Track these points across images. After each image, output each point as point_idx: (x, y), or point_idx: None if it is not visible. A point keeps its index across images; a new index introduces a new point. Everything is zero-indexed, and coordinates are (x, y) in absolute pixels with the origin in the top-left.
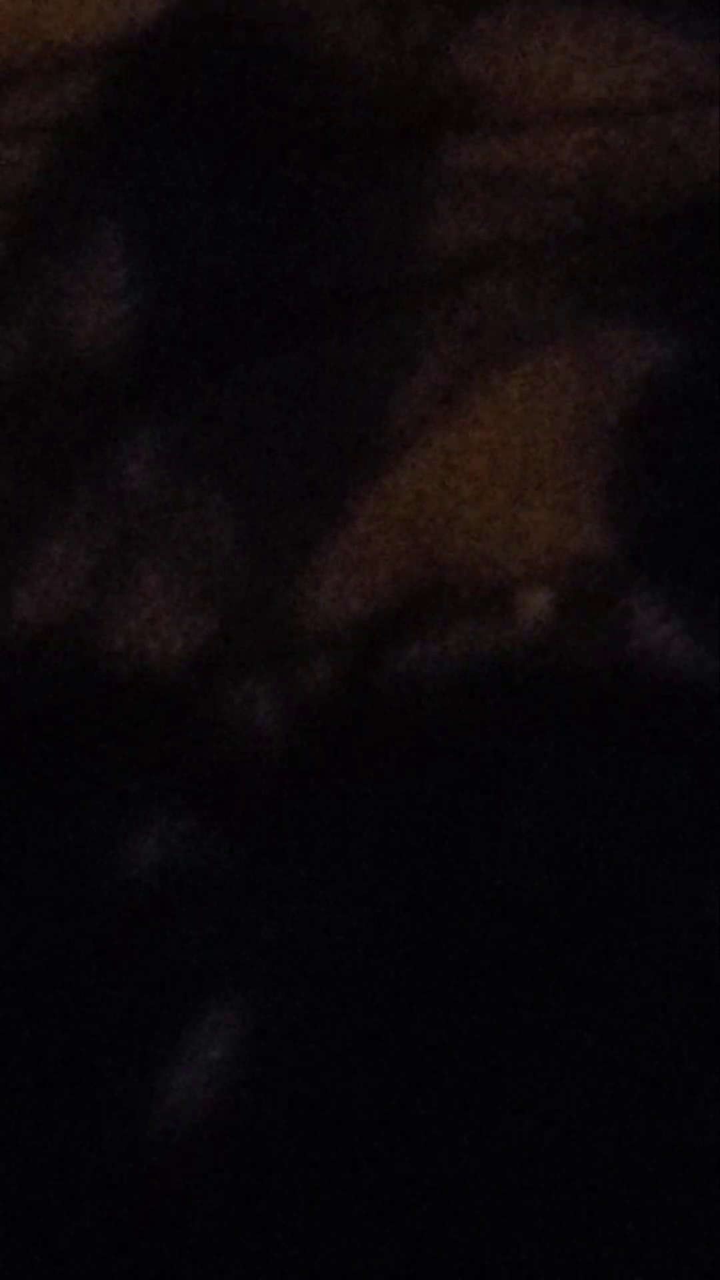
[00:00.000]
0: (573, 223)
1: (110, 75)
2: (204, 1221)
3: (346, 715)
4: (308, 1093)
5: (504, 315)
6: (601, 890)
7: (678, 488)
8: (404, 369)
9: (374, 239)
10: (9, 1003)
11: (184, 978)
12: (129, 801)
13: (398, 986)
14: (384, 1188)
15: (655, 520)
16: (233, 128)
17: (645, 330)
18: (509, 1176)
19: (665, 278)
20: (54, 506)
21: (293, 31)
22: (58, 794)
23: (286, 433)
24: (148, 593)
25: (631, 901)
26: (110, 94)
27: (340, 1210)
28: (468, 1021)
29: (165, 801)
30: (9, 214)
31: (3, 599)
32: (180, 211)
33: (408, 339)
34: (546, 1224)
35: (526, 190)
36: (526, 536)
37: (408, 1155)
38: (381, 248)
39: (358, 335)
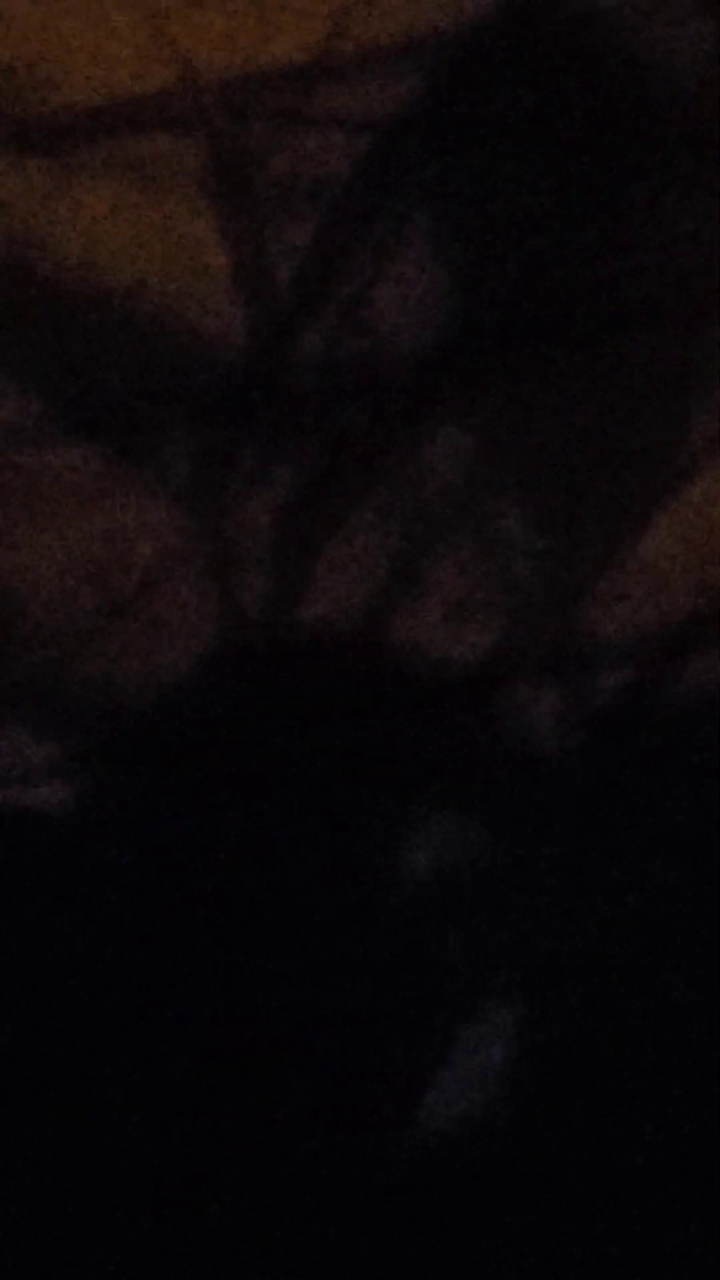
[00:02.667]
0: None
1: (427, 71)
2: (472, 1218)
3: (632, 727)
4: (581, 1092)
5: None
6: None
7: None
8: (713, 380)
9: (691, 246)
10: (291, 1001)
11: (461, 977)
12: (411, 798)
13: (672, 988)
14: (664, 1185)
15: None
16: (551, 127)
17: None
18: None
19: None
20: (352, 497)
21: (619, 32)
22: (342, 789)
23: (589, 435)
24: (439, 590)
25: None
26: (425, 89)
27: (614, 1209)
28: None
29: (444, 800)
30: (316, 204)
31: (297, 588)
32: (492, 208)
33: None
34: None
35: None
36: None
37: (690, 1152)
38: (698, 256)
39: (668, 342)
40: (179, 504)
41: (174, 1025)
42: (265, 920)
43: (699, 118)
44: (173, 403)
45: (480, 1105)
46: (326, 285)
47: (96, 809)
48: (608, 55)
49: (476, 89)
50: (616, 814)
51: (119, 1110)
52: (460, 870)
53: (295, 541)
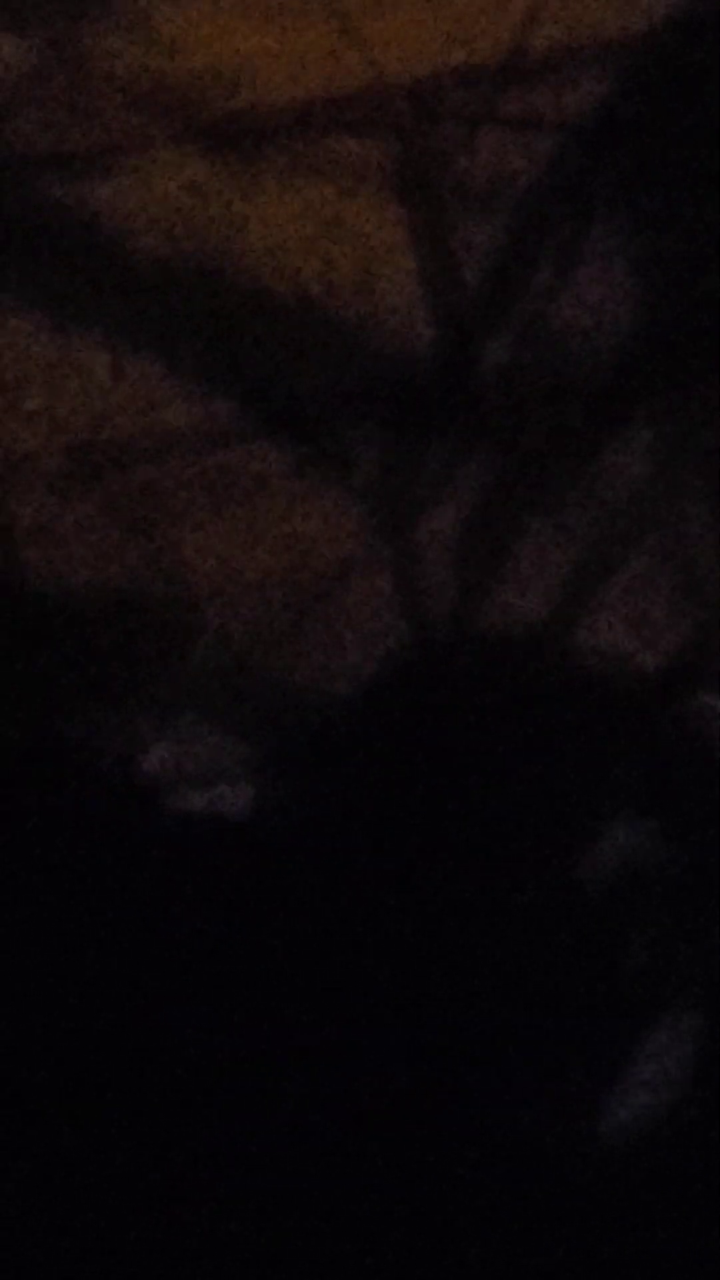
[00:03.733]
0: None
1: (613, 73)
2: (656, 1222)
3: None
4: None
5: None
6: None
7: None
8: None
9: None
10: (475, 1003)
11: (646, 981)
12: (594, 804)
13: None
14: None
15: None
16: None
17: None
18: None
19: None
20: (536, 502)
21: None
22: (525, 795)
23: None
24: (623, 595)
25: None
26: (612, 92)
27: None
28: None
29: (628, 806)
30: (501, 206)
31: (480, 593)
32: (677, 210)
33: None
34: None
35: None
36: None
37: None
38: None
39: None
40: (365, 506)
41: (359, 1022)
42: (448, 922)
43: None
44: (360, 404)
45: (665, 1110)
46: (512, 287)
47: (278, 809)
48: None
49: (663, 91)
50: None
51: (314, 1108)
52: (644, 875)
53: (479, 546)
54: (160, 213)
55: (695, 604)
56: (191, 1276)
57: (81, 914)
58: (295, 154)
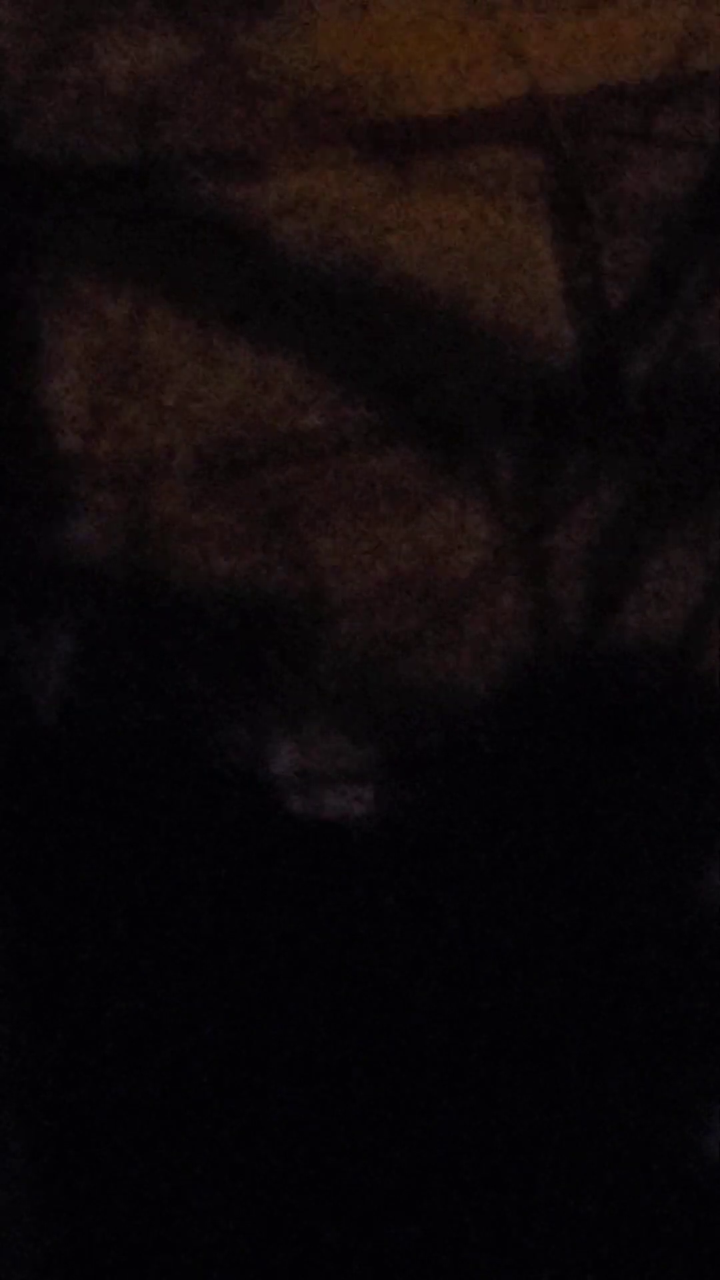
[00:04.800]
0: None
1: None
2: None
3: None
4: None
5: None
6: None
7: None
8: None
9: None
10: (595, 1016)
11: None
12: (712, 823)
13: None
14: None
15: None
16: None
17: None
18: None
19: None
20: (672, 516)
21: None
22: (653, 806)
23: None
24: None
25: None
26: None
27: None
28: None
29: None
30: (651, 224)
31: (614, 604)
32: None
33: None
34: None
35: None
36: None
37: None
38: None
39: None
40: (500, 515)
41: (475, 1024)
42: (562, 934)
43: None
44: (500, 414)
45: None
46: (656, 305)
47: (402, 813)
48: None
49: None
50: None
51: (452, 1110)
52: None
53: (613, 561)
54: (309, 215)
55: None
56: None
57: (211, 912)
58: (447, 163)
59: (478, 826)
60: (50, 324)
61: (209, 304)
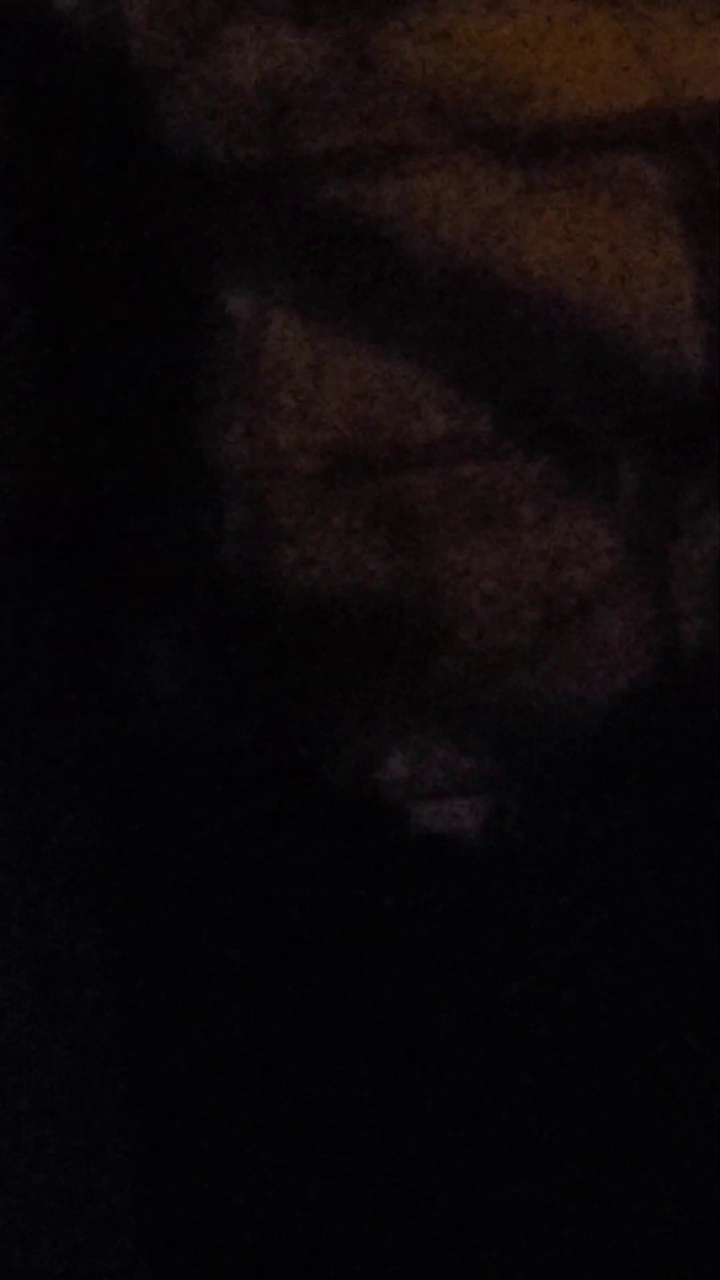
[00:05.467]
0: None
1: None
2: None
3: None
4: None
5: None
6: None
7: None
8: None
9: None
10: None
11: None
12: None
13: None
14: None
15: None
16: None
17: None
18: None
19: None
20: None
21: None
22: (685, 838)
23: None
24: None
25: None
26: None
27: None
28: None
29: None
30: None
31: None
32: None
33: None
34: None
35: None
36: None
37: None
38: None
39: None
40: (623, 527)
41: (579, 1041)
42: (688, 961)
43: None
44: (624, 425)
45: None
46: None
47: (512, 828)
48: None
49: None
50: None
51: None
52: None
53: None
54: (436, 218)
55: None
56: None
57: (316, 920)
58: (578, 169)
59: (593, 844)
60: (184, 324)
61: (331, 305)
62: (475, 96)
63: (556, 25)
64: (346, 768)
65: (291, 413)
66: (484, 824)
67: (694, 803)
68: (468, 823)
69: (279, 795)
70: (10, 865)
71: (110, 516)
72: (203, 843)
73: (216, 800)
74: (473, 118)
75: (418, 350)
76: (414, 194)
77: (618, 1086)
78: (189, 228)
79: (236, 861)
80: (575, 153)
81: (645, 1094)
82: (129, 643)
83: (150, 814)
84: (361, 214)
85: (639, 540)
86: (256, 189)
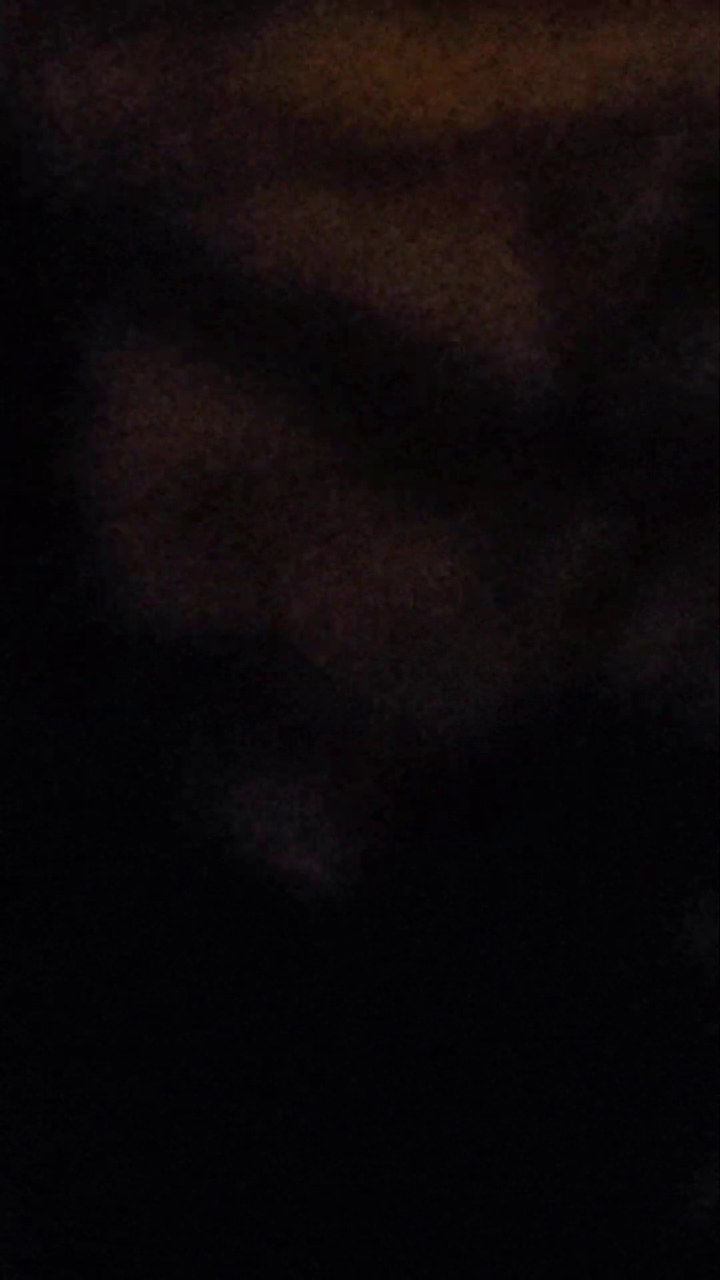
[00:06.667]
0: None
1: None
2: None
3: None
4: None
5: None
6: None
7: None
8: None
9: None
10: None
11: None
12: (689, 873)
13: None
14: None
15: None
16: None
17: None
18: None
19: None
20: (657, 562)
21: None
22: (627, 860)
23: None
24: None
25: None
26: None
27: None
28: None
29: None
30: (637, 258)
31: (595, 652)
32: None
33: None
34: None
35: None
36: None
37: None
38: None
39: None
40: (477, 553)
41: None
42: (557, 994)
43: None
44: (476, 450)
45: None
46: (644, 346)
47: (367, 864)
48: None
49: None
50: None
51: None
52: None
53: (596, 602)
54: (284, 244)
55: None
56: None
57: (129, 969)
58: (429, 188)
59: (452, 881)
60: (31, 363)
61: (176, 335)
62: (317, 122)
63: (408, 44)
64: (191, 804)
65: (141, 448)
66: (334, 861)
67: (552, 836)
68: (316, 862)
69: (120, 835)
70: None
71: None
72: (36, 887)
73: (57, 839)
74: (316, 143)
75: (268, 380)
76: (261, 221)
77: (480, 1131)
78: (32, 266)
79: (70, 898)
80: (427, 172)
81: (500, 1142)
82: None
83: None
84: (207, 244)
85: (494, 566)
86: (93, 224)
